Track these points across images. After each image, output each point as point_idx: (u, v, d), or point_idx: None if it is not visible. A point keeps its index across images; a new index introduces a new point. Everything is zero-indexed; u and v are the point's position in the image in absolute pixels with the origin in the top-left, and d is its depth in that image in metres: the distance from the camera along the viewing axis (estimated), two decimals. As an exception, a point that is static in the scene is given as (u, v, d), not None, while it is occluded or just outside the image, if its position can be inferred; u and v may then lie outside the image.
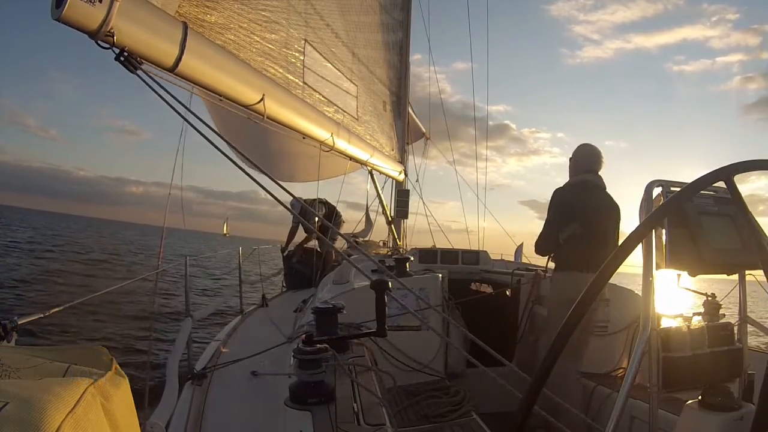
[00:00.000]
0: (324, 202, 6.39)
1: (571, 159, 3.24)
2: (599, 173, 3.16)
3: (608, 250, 2.99)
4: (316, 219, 5.98)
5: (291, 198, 2.25)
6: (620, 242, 0.87)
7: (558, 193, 3.12)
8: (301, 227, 5.98)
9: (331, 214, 6.46)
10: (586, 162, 3.16)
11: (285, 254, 6.08)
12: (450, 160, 8.25)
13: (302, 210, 5.18)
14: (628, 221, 3.12)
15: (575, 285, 2.90)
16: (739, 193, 0.91)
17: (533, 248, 3.23)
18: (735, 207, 0.94)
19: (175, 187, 2.32)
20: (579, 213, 2.99)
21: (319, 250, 5.81)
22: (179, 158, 2.36)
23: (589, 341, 2.98)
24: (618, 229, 3.06)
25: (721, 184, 0.92)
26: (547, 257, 3.22)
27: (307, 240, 6.19)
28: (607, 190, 3.15)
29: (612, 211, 3.07)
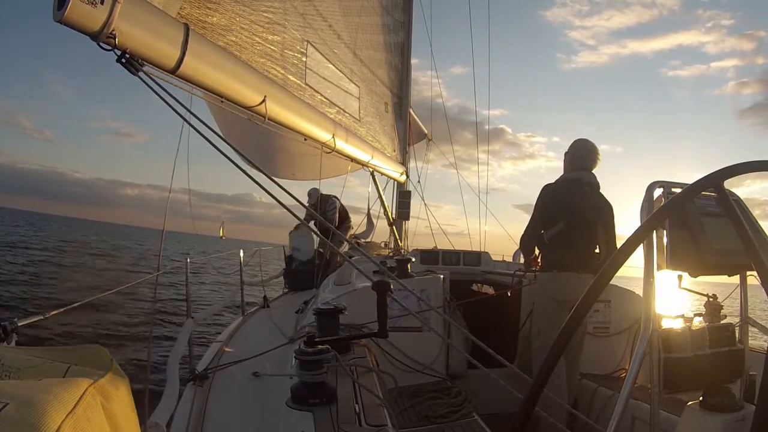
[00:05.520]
0: (338, 199, 6.44)
1: (566, 153, 3.17)
2: (594, 170, 3.09)
3: (594, 250, 2.98)
4: (334, 215, 6.02)
5: (293, 200, 2.24)
6: (617, 242, 0.87)
7: (547, 190, 3.06)
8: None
9: (343, 213, 6.51)
10: (581, 158, 3.08)
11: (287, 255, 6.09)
12: (450, 162, 8.25)
13: (315, 205, 5.21)
14: (625, 226, 3.08)
15: (557, 285, 2.92)
16: (730, 198, 0.90)
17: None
18: (725, 209, 0.94)
19: (175, 191, 2.32)
20: (567, 212, 2.94)
21: (321, 250, 5.81)
22: (180, 160, 2.36)
23: (582, 343, 2.97)
24: (612, 228, 3.01)
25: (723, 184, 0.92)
26: (530, 256, 3.19)
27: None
28: (604, 194, 3.09)
29: (603, 211, 3.01)
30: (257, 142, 5.04)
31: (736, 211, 0.88)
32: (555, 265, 2.95)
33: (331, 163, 5.38)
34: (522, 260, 3.41)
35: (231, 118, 3.40)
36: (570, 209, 2.94)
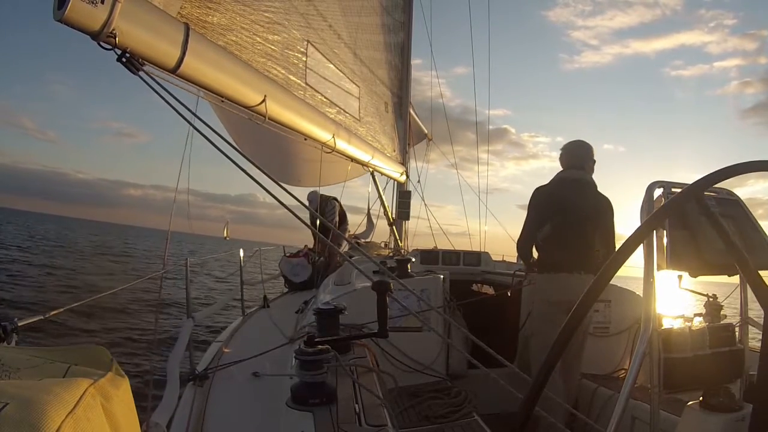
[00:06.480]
0: (338, 201, 6.45)
1: (561, 154, 3.15)
2: (588, 169, 3.05)
3: (590, 248, 2.95)
4: (334, 217, 6.02)
5: (295, 201, 2.23)
6: (617, 242, 0.88)
7: (540, 192, 3.04)
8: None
9: (342, 215, 6.51)
10: (577, 158, 3.06)
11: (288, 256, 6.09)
12: (451, 162, 8.27)
13: (317, 207, 5.22)
14: (626, 225, 3.06)
15: (553, 285, 2.90)
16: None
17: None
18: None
19: (180, 191, 2.33)
20: (563, 211, 2.91)
21: (319, 252, 5.81)
22: (185, 160, 2.36)
23: (583, 343, 2.96)
24: (611, 227, 2.99)
25: (723, 184, 0.92)
26: (528, 260, 3.16)
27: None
28: (605, 193, 3.04)
29: (602, 209, 2.98)
30: (265, 146, 5.05)
31: (715, 215, 0.88)
32: (552, 267, 2.93)
33: (334, 169, 5.39)
34: None
35: (240, 122, 3.40)
36: (568, 207, 2.91)
